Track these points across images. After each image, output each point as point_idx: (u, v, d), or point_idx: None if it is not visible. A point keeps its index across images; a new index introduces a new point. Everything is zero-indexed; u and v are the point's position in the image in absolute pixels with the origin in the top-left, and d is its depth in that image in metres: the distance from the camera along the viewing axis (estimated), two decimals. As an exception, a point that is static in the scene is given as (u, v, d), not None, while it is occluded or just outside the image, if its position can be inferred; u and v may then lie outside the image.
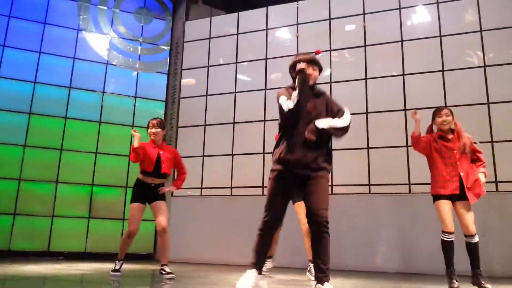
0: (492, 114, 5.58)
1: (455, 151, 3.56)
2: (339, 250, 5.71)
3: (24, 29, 6.89)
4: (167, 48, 7.80)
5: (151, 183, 4.21)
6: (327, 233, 2.67)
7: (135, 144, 4.04)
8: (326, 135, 2.77)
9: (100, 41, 7.36)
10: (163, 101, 7.57)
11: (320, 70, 2.98)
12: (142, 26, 7.74)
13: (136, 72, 7.50)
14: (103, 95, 7.17)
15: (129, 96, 7.35)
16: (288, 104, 2.75)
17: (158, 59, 7.71)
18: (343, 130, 2.79)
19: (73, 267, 5.15)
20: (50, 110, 6.79)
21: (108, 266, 5.42)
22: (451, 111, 3.71)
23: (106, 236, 6.73)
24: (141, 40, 7.67)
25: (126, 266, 5.49)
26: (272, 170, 2.88)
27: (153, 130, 4.27)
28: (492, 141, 5.47)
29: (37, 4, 7.06)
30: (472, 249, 3.45)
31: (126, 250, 4.33)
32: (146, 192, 4.21)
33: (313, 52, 3.04)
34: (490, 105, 5.63)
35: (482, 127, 5.53)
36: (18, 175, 6.43)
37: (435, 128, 3.79)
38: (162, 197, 4.25)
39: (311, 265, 4.15)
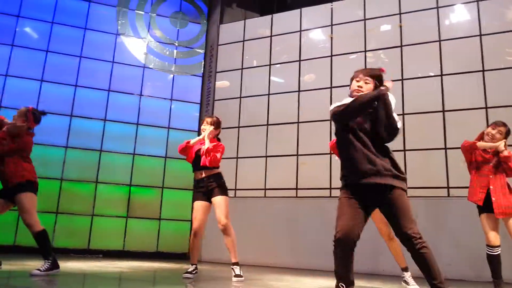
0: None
1: (491, 164, 3.49)
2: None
3: (66, 35, 7.17)
4: (201, 51, 7.93)
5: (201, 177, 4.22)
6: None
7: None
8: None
9: (137, 45, 7.57)
10: (198, 103, 7.70)
11: (376, 86, 2.65)
12: (178, 30, 7.90)
13: (172, 75, 7.67)
14: (140, 97, 7.36)
15: (165, 98, 7.52)
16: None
17: (193, 62, 7.85)
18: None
19: (112, 264, 5.32)
20: (90, 113, 7.03)
21: (145, 264, 5.57)
22: (507, 131, 3.62)
23: (142, 235, 6.90)
24: (176, 44, 7.83)
25: (161, 265, 5.62)
26: None
27: (203, 126, 4.37)
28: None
29: (78, 10, 7.33)
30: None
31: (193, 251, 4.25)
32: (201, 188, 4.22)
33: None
34: (534, 106, 5.42)
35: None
36: (60, 175, 6.69)
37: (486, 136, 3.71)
38: (219, 192, 4.14)
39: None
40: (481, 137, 3.73)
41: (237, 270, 4.07)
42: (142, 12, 7.75)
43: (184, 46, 7.87)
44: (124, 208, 6.93)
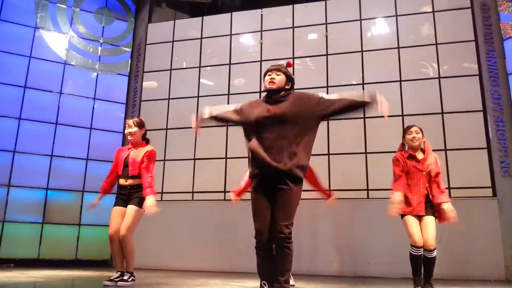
0: (445, 123, 5.84)
1: (424, 173, 3.67)
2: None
3: (-24, 25, 6.58)
4: (128, 49, 7.66)
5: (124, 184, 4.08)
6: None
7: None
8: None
9: (58, 40, 7.12)
10: (123, 103, 7.41)
11: (288, 77, 2.92)
12: (103, 26, 7.57)
13: (95, 73, 7.31)
14: (60, 95, 6.93)
15: (87, 97, 7.14)
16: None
17: (119, 61, 7.55)
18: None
19: (25, 274, 4.93)
20: (3, 111, 6.49)
21: (63, 273, 5.23)
22: (420, 129, 3.82)
23: (60, 242, 6.48)
24: (101, 41, 7.49)
25: (81, 273, 5.31)
26: None
27: (129, 130, 4.17)
28: (446, 149, 5.72)
29: (-9, -1, 6.76)
30: (430, 263, 3.59)
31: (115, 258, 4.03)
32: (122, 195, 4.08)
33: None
34: (444, 114, 5.89)
35: (437, 135, 5.77)
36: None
37: (406, 146, 3.88)
38: (134, 201, 3.98)
39: None
40: (402, 148, 3.91)
41: (126, 276, 3.93)
42: (65, 6, 7.32)
43: (110, 44, 7.55)
44: (39, 213, 6.45)
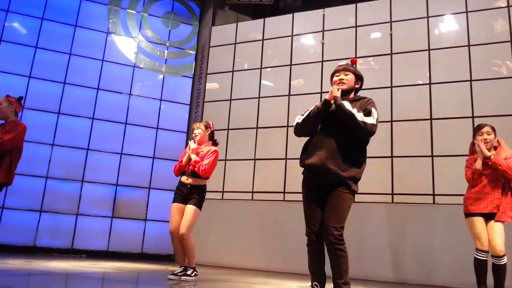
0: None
1: (496, 169, 3.46)
2: (359, 258, 5.68)
3: (56, 31, 7.09)
4: (193, 52, 7.92)
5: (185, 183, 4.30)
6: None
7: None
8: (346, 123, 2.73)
9: (128, 44, 7.52)
10: (187, 104, 7.67)
11: (357, 76, 2.93)
12: (170, 30, 7.88)
13: (162, 76, 7.63)
14: (129, 97, 7.31)
15: (154, 98, 7.48)
16: (298, 119, 2.92)
17: (184, 63, 7.83)
18: (361, 127, 2.69)
19: (96, 265, 5.25)
20: (79, 111, 6.96)
21: (129, 265, 5.51)
22: (493, 129, 3.61)
23: (127, 235, 6.83)
24: (168, 44, 7.80)
25: (147, 266, 5.57)
26: None
27: (195, 131, 4.46)
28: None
29: (69, 7, 7.25)
30: (499, 271, 3.38)
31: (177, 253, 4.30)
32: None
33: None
34: (519, 116, 5.51)
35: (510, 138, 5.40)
36: (46, 173, 6.60)
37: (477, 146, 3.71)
38: (193, 201, 4.21)
39: None
40: (473, 148, 3.74)
41: (189, 271, 4.10)
42: (134, 12, 7.71)
43: (175, 47, 7.85)
44: (109, 208, 6.85)
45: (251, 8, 8.29)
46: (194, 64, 7.87)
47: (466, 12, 6.17)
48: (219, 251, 6.49)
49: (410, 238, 5.61)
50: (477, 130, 3.65)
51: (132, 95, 7.34)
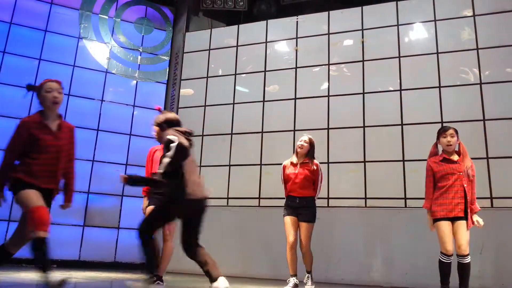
0: (487, 131, 5.64)
1: (461, 173, 3.56)
2: (334, 263, 5.72)
3: (25, 36, 6.92)
4: (166, 58, 7.86)
5: None
6: None
7: None
8: None
9: (100, 49, 7.41)
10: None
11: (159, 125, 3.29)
12: (143, 36, 7.81)
13: (135, 81, 7.54)
14: (101, 103, 7.19)
15: (127, 104, 7.38)
16: None
17: (158, 69, 7.77)
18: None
19: (67, 275, 5.11)
20: (48, 117, 6.79)
21: (102, 275, 5.39)
22: (456, 131, 3.71)
23: (100, 244, 6.69)
24: (141, 50, 7.73)
25: (119, 275, 5.46)
26: None
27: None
28: (487, 157, 5.53)
29: (39, 11, 7.10)
30: (464, 270, 3.46)
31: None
32: None
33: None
34: (486, 121, 5.69)
35: (478, 143, 5.58)
36: (14, 181, 6.39)
37: (439, 148, 3.80)
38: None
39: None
40: (435, 151, 3.83)
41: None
42: (106, 17, 7.61)
43: (149, 53, 7.78)
44: (81, 216, 6.70)
45: (226, 15, 8.31)
46: (168, 70, 7.82)
47: (435, 20, 6.37)
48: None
49: (383, 241, 5.70)
50: (441, 132, 3.74)
51: (104, 101, 7.22)
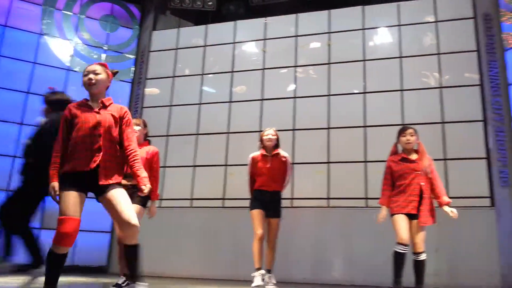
0: (446, 133, 5.80)
1: (419, 172, 3.63)
2: (297, 262, 5.74)
3: (-17, 31, 6.67)
4: (132, 56, 7.71)
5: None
6: None
7: None
8: None
9: (63, 46, 7.20)
10: (126, 110, 7.44)
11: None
12: (108, 33, 7.64)
13: (99, 80, 7.35)
14: (63, 101, 6.98)
15: (91, 103, 7.19)
16: None
17: (123, 67, 7.59)
18: None
19: (22, 279, 4.92)
20: (6, 116, 6.55)
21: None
22: (415, 130, 3.80)
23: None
24: (106, 48, 7.56)
25: (78, 279, 5.31)
26: None
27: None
28: (445, 159, 5.67)
29: (-1, 6, 6.86)
30: (419, 267, 3.53)
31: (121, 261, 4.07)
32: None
33: None
34: (445, 124, 5.85)
35: (437, 145, 5.73)
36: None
37: (399, 147, 3.87)
38: (137, 201, 3.98)
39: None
40: (395, 150, 3.90)
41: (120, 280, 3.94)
42: (70, 13, 7.41)
43: (114, 51, 7.62)
44: (37, 219, 6.45)
45: (194, 14, 8.24)
46: (133, 68, 7.67)
47: (399, 25, 6.50)
48: (158, 260, 6.30)
49: (345, 240, 5.76)
50: (401, 131, 3.83)
51: (66, 99, 7.02)
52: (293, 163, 6.17)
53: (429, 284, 5.13)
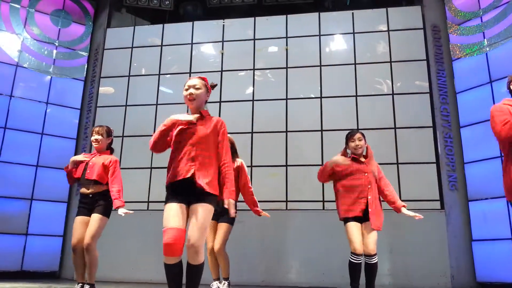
0: (398, 138, 6.06)
1: (366, 174, 3.72)
2: (255, 265, 5.78)
3: None
4: (85, 54, 7.44)
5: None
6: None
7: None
8: None
9: (10, 41, 6.81)
10: (78, 109, 7.17)
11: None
12: (59, 29, 7.32)
13: (49, 77, 7.04)
14: (10, 98, 6.61)
15: (40, 101, 6.86)
16: None
17: (75, 65, 7.31)
18: None
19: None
20: None
21: (6, 285, 4.95)
22: (363, 135, 3.87)
23: (5, 252, 6.14)
24: (57, 44, 7.24)
25: (27, 285, 5.04)
26: None
27: (95, 137, 4.06)
28: (398, 163, 5.93)
29: None
30: (371, 270, 3.62)
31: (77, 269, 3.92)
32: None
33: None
34: (397, 129, 6.11)
35: (389, 149, 5.98)
36: None
37: (349, 152, 3.95)
38: (98, 210, 3.89)
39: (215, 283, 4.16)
40: (345, 154, 3.97)
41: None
42: (19, 6, 7.03)
43: (66, 47, 7.31)
44: (-18, 222, 6.09)
45: (150, 13, 8.08)
46: (86, 66, 7.40)
47: (353, 33, 6.72)
48: (112, 265, 6.11)
49: (302, 243, 5.86)
50: (349, 136, 3.88)
51: (13, 96, 6.65)
52: (251, 166, 6.23)
53: (385, 285, 5.37)
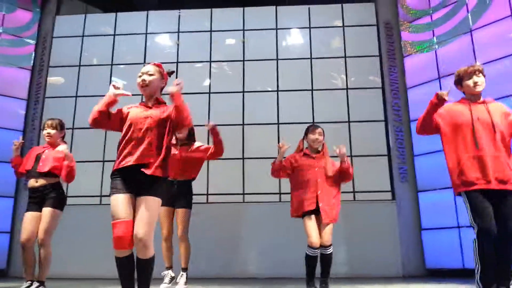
0: (351, 132, 6.21)
1: (316, 169, 3.77)
2: (211, 257, 5.75)
3: None
4: (32, 42, 7.07)
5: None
6: None
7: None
8: None
9: None
10: (25, 99, 6.82)
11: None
12: (4, 15, 6.91)
13: (-8, 65, 6.64)
14: None
15: (-18, 91, 6.47)
16: None
17: (21, 53, 6.93)
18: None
19: None
20: None
21: None
22: (323, 131, 3.93)
23: None
24: (1, 31, 6.83)
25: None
26: None
27: (48, 130, 3.86)
28: (351, 156, 6.08)
29: None
30: (326, 260, 3.70)
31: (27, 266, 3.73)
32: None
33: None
34: (350, 123, 6.26)
35: (343, 142, 6.10)
36: None
37: (305, 144, 3.98)
38: (49, 203, 3.72)
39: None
40: (301, 145, 4.01)
41: (34, 285, 3.68)
42: (-44, -12, 6.58)
43: (11, 34, 6.91)
44: None
45: (102, 1, 7.79)
46: (33, 54, 7.04)
47: (309, 27, 6.79)
48: (65, 261, 5.85)
49: (258, 235, 5.90)
50: (311, 129, 3.91)
51: (-48, 85, 6.23)
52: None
53: (341, 273, 5.50)
